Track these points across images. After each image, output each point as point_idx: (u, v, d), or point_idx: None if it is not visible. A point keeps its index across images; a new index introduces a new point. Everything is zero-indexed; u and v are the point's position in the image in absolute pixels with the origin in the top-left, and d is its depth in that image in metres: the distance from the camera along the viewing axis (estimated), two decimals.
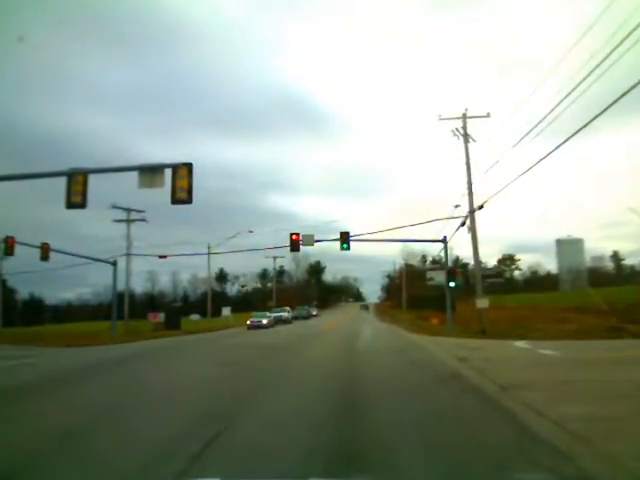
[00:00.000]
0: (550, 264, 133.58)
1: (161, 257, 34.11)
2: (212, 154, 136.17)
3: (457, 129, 24.36)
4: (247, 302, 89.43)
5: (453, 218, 24.89)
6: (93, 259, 34.50)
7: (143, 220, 37.09)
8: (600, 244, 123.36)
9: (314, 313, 68.06)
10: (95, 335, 33.40)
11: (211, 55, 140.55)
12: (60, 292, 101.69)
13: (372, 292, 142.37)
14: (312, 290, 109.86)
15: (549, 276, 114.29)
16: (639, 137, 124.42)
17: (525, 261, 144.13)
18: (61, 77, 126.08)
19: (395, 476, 4.40)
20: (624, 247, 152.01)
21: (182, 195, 12.70)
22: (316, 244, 27.01)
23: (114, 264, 33.50)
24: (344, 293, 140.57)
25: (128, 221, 36.80)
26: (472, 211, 23.94)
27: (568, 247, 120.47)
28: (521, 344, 17.43)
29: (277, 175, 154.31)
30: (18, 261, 38.66)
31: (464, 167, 24.51)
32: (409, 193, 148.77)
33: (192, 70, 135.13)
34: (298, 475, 4.48)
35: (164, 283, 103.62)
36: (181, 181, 12.61)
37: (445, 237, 26.70)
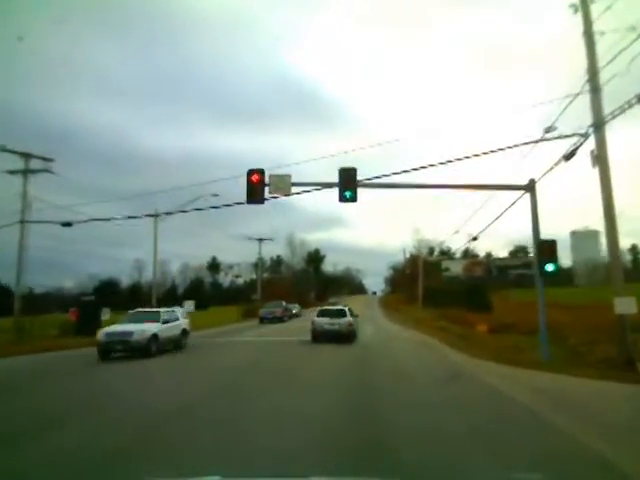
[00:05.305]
0: (563, 258, 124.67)
1: (65, 225, 23.80)
2: (218, 144, 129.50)
3: None
4: (239, 294, 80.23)
5: (562, 138, 14.28)
6: None
7: (47, 171, 26.06)
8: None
9: (294, 311, 50.71)
10: None
11: (220, 46, 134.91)
12: (51, 280, 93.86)
13: (375, 284, 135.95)
14: (310, 281, 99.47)
15: (562, 270, 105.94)
16: None
17: None
18: (69, 68, 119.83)
19: None
20: None
21: None
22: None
23: None
24: (346, 285, 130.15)
25: (25, 172, 25.57)
26: (599, 124, 13.05)
27: (584, 240, 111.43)
28: None
29: (281, 165, 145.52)
30: None
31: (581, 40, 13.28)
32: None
33: (201, 61, 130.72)
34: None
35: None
36: None
37: (533, 180, 16.35)
